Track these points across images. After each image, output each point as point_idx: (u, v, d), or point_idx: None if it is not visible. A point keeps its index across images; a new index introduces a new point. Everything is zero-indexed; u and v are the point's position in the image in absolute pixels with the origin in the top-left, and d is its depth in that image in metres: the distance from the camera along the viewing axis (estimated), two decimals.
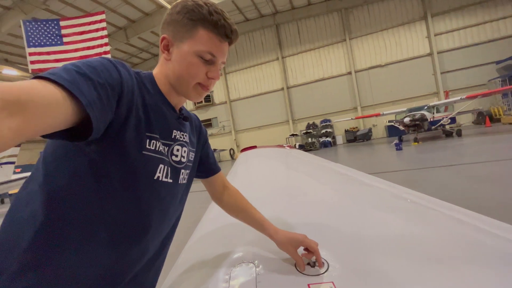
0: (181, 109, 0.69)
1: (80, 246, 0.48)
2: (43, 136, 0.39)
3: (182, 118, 0.67)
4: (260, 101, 17.23)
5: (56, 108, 0.35)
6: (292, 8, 15.83)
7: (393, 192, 1.02)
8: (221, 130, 18.16)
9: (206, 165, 0.80)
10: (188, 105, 18.38)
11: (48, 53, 6.76)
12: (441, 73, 14.04)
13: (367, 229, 0.71)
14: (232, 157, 17.43)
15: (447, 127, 11.17)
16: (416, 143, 9.16)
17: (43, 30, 6.78)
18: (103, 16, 7.15)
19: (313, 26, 16.06)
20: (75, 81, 0.39)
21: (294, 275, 0.56)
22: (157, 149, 0.57)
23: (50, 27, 6.81)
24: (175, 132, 0.63)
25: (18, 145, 8.22)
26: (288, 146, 2.56)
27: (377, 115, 12.88)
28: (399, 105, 14.06)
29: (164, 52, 0.60)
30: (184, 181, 0.67)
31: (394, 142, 8.98)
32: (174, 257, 0.79)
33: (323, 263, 0.57)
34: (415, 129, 9.58)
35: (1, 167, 8.40)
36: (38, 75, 0.38)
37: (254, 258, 0.63)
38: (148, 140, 0.55)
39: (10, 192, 10.07)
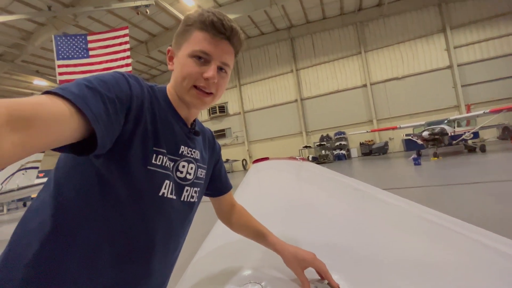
0: (193, 123, 0.67)
1: (83, 261, 0.48)
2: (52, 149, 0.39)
3: (193, 132, 0.65)
4: (273, 112, 17.30)
5: (62, 123, 0.36)
6: (307, 22, 16.07)
7: (412, 211, 0.97)
8: (234, 140, 18.30)
9: (217, 184, 0.78)
10: (204, 115, 18.78)
11: (75, 65, 7.20)
12: (462, 86, 13.55)
13: (383, 252, 0.67)
14: (245, 167, 17.42)
15: (470, 142, 10.65)
16: (435, 158, 8.77)
17: (71, 44, 7.26)
18: (126, 31, 7.57)
19: (328, 39, 16.16)
20: (83, 95, 0.40)
21: None
22: (163, 164, 0.56)
23: (78, 41, 7.28)
24: (182, 148, 0.61)
25: (42, 151, 8.63)
26: (300, 158, 2.52)
27: (394, 128, 12.54)
28: (417, 119, 13.63)
29: (169, 64, 0.61)
30: (190, 199, 0.65)
31: (412, 156, 8.65)
32: (180, 271, 0.78)
33: None
34: (435, 143, 9.21)
35: (26, 171, 8.84)
36: (48, 90, 0.38)
37: (261, 278, 0.61)
38: (155, 155, 0.54)
39: (32, 196, 10.55)
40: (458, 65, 13.66)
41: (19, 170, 8.78)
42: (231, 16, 0.70)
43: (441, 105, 13.90)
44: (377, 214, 1.02)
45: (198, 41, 0.55)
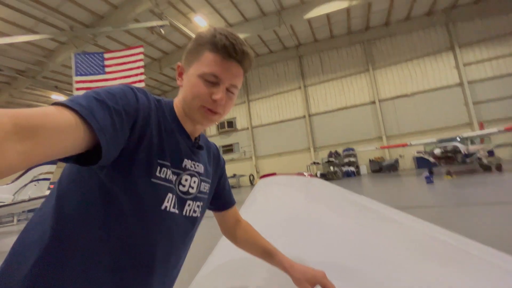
0: (197, 138, 0.67)
1: (83, 274, 0.47)
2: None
3: (197, 146, 0.65)
4: (281, 128, 17.37)
5: (68, 134, 0.36)
6: (315, 41, 16.46)
7: (426, 231, 0.93)
8: (242, 155, 18.33)
9: (221, 198, 0.77)
10: (212, 130, 19.02)
11: (91, 81, 7.54)
12: (474, 103, 13.34)
13: (395, 275, 0.64)
14: (252, 183, 17.28)
15: (485, 160, 10.29)
16: (449, 177, 8.48)
17: (89, 62, 7.65)
18: (141, 50, 7.94)
19: (336, 57, 16.43)
20: (90, 107, 0.40)
21: None
22: (167, 177, 0.55)
23: (96, 59, 7.68)
24: (185, 161, 0.61)
25: (54, 163, 8.89)
26: (309, 174, 2.49)
27: (404, 145, 12.30)
28: (428, 136, 13.38)
29: (178, 80, 0.62)
30: (192, 214, 0.64)
31: (424, 174, 8.39)
32: (183, 287, 0.76)
33: None
34: (448, 161, 8.94)
35: (38, 183, 9.04)
36: (57, 102, 0.39)
37: None
38: (159, 168, 0.54)
39: None
40: (469, 82, 13.53)
41: (31, 181, 9.00)
42: (241, 36, 0.71)
43: (453, 122, 13.65)
44: (389, 234, 0.98)
45: (208, 62, 0.55)
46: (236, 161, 18.21)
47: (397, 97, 14.94)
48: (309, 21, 13.75)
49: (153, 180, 0.53)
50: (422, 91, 14.49)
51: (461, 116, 13.57)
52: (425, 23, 14.49)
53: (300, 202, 1.66)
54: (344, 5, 11.87)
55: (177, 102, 0.63)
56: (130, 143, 0.49)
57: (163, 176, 0.55)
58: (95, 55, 7.81)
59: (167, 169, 0.56)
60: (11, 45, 11.12)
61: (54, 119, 0.35)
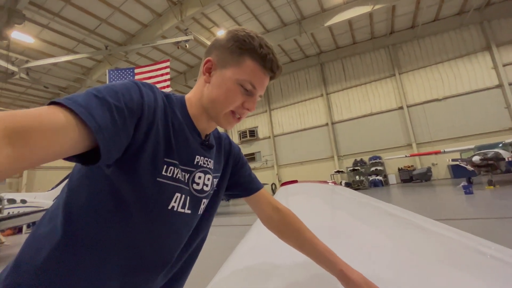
0: (208, 135, 0.65)
1: (90, 269, 0.46)
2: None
3: (206, 145, 0.63)
4: (303, 136, 17.12)
5: (64, 135, 0.35)
6: (337, 48, 16.24)
7: (467, 243, 0.83)
8: (263, 164, 18.28)
9: (243, 183, 0.74)
10: (234, 139, 19.20)
11: None
12: None
13: None
14: (274, 192, 17.10)
15: None
16: (491, 187, 7.70)
17: (121, 76, 8.30)
18: (168, 64, 8.49)
19: (359, 63, 16.02)
20: (88, 105, 0.38)
21: None
22: (174, 176, 0.53)
23: (126, 74, 8.31)
24: (198, 158, 0.59)
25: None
26: (332, 182, 2.40)
27: (437, 152, 11.45)
28: (464, 142, 12.38)
29: (205, 74, 0.59)
30: (205, 212, 0.63)
31: (462, 184, 7.71)
32: None
33: None
34: (489, 170, 8.14)
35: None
36: (54, 100, 0.37)
37: None
38: (165, 166, 0.52)
39: None
40: (510, 84, 12.40)
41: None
42: None
43: (492, 127, 12.50)
44: (424, 246, 0.90)
45: (250, 71, 0.55)
46: (257, 170, 18.19)
47: (427, 101, 14.10)
48: (330, 28, 13.65)
49: (158, 179, 0.51)
50: (455, 95, 13.54)
51: (502, 120, 12.39)
52: (456, 24, 13.68)
53: (324, 211, 1.60)
54: (366, 10, 11.63)
55: (193, 98, 0.61)
56: (135, 141, 0.47)
57: (169, 175, 0.53)
58: (127, 70, 8.45)
59: (175, 167, 0.54)
60: (55, 64, 12.37)
61: (46, 120, 0.33)
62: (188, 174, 0.57)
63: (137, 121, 0.47)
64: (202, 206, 0.61)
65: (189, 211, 0.57)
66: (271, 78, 0.59)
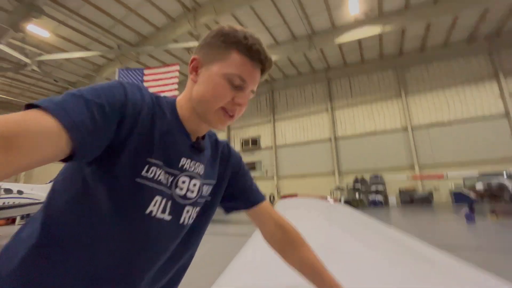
0: (199, 138, 0.61)
1: (64, 276, 0.44)
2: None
3: (196, 147, 0.58)
4: (305, 149, 17.07)
5: (49, 138, 0.34)
6: (345, 65, 16.42)
7: (472, 278, 0.79)
8: (263, 174, 18.18)
9: (243, 194, 0.69)
10: (236, 147, 19.27)
11: None
12: None
13: None
14: (272, 203, 16.90)
15: None
16: (494, 217, 7.55)
17: (130, 76, 8.41)
18: (177, 67, 8.60)
19: (366, 81, 16.15)
20: (62, 103, 0.38)
21: None
22: (156, 178, 0.50)
23: (136, 74, 8.43)
24: (184, 160, 0.55)
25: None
26: (333, 199, 2.35)
27: (440, 176, 11.34)
28: (467, 168, 12.24)
29: (192, 73, 0.57)
30: (191, 221, 0.58)
31: (464, 211, 7.57)
32: None
33: None
34: (492, 199, 8.01)
35: None
36: (30, 103, 0.37)
37: None
38: (147, 166, 0.49)
39: None
40: None
41: None
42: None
43: (497, 155, 12.38)
44: (425, 275, 0.85)
45: (237, 64, 0.52)
46: (257, 179, 18.04)
47: (432, 124, 14.07)
48: (339, 45, 13.85)
49: (137, 180, 0.48)
50: (460, 120, 13.53)
51: (507, 149, 12.29)
52: (464, 50, 13.84)
53: (323, 229, 1.55)
54: (376, 31, 11.82)
55: (183, 99, 0.58)
56: (116, 139, 0.45)
57: (150, 176, 0.49)
58: (136, 70, 8.57)
59: (157, 168, 0.50)
60: (67, 59, 12.63)
61: (34, 125, 0.33)
62: (172, 177, 0.53)
63: (120, 118, 0.45)
64: (186, 215, 0.56)
65: (169, 217, 0.52)
66: (262, 71, 0.57)
